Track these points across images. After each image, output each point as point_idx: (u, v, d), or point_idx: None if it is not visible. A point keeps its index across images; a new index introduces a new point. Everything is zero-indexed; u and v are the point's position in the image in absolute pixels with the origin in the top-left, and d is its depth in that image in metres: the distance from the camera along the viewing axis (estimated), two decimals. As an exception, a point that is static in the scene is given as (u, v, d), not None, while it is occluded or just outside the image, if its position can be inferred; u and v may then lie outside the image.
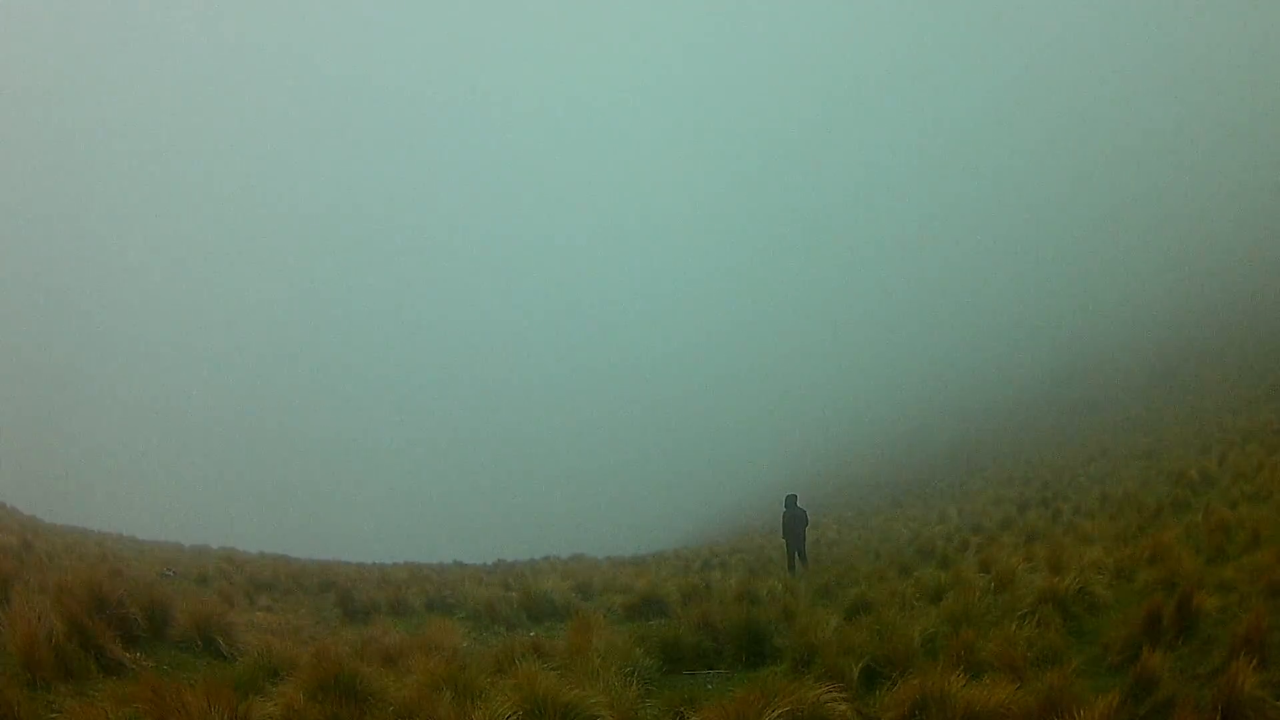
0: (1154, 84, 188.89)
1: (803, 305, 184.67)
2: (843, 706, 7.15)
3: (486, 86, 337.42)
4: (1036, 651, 8.56)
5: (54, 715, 6.51)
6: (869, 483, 66.14)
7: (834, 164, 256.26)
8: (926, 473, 60.72)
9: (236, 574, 21.16)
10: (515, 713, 7.13)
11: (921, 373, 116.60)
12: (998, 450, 58.93)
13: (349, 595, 17.53)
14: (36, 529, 27.40)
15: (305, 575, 23.30)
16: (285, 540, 42.54)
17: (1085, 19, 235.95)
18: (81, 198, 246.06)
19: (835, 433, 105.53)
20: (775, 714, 6.76)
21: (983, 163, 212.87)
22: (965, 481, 48.45)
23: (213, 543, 35.57)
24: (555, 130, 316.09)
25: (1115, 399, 60.18)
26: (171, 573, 19.43)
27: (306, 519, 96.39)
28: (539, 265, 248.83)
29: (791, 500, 21.93)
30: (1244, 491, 15.42)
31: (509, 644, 11.14)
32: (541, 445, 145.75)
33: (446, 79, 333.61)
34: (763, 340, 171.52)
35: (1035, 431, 61.41)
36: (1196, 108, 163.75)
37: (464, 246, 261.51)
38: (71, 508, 43.51)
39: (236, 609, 14.10)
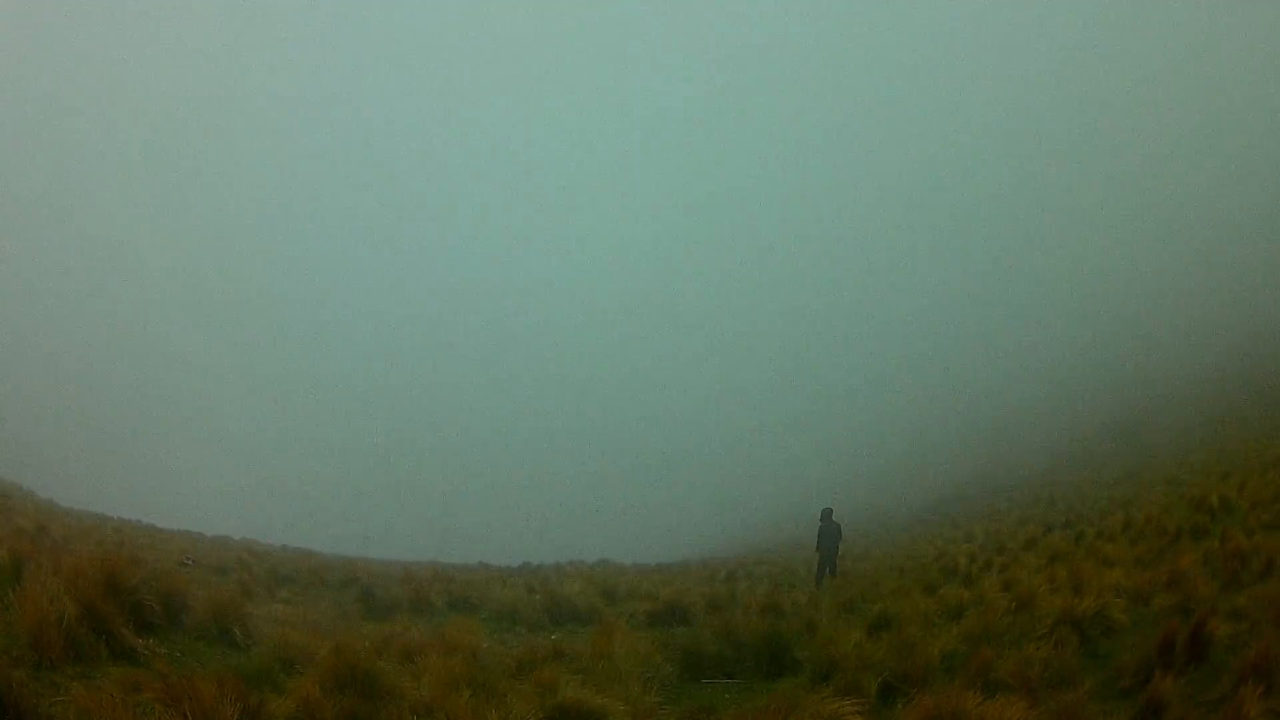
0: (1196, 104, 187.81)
1: (827, 312, 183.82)
2: (859, 721, 7.15)
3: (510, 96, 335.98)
4: (1052, 672, 8.61)
5: (58, 697, 6.46)
6: (897, 500, 66.37)
7: (855, 174, 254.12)
8: (954, 491, 60.95)
9: (257, 566, 21.31)
10: (534, 715, 7.22)
11: (945, 392, 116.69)
12: (1026, 472, 58.81)
13: (371, 591, 17.74)
14: (53, 513, 27.52)
15: (328, 570, 23.50)
16: (317, 537, 42.94)
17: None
18: (117, 190, 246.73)
19: (862, 451, 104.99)
20: (793, 725, 6.77)
21: (1011, 170, 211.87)
22: (992, 501, 48.44)
23: (235, 534, 35.87)
24: (580, 145, 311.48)
25: (1142, 423, 60.18)
26: (190, 561, 19.62)
27: (339, 516, 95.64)
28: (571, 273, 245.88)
29: (827, 513, 22.27)
30: (1261, 520, 15.28)
31: (530, 646, 11.25)
32: (581, 444, 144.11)
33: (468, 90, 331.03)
34: (790, 350, 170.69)
35: (1063, 454, 61.33)
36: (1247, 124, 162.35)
37: (480, 253, 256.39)
38: (94, 494, 43.78)
39: (255, 600, 14.16)
